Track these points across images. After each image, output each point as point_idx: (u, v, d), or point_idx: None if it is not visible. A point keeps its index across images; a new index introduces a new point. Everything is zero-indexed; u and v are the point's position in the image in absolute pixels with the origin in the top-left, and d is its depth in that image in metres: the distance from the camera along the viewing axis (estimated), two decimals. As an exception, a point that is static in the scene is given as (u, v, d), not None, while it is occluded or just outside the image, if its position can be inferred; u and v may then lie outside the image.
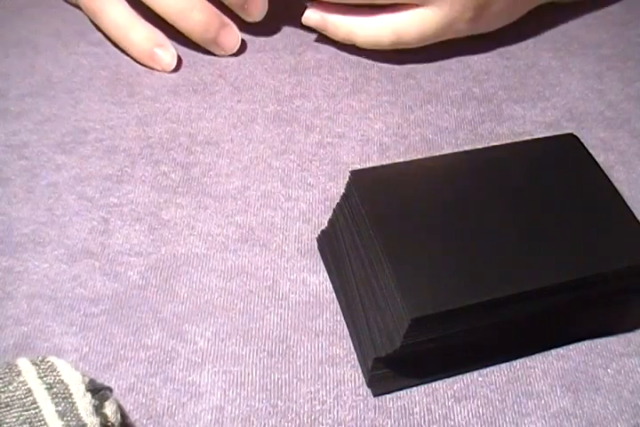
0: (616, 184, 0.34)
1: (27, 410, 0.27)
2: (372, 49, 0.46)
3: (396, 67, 0.47)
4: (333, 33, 0.46)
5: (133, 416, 0.32)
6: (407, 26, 0.44)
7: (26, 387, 0.27)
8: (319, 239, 0.38)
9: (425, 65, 0.48)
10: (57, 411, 0.27)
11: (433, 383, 0.34)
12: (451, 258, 0.30)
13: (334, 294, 0.36)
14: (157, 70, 0.46)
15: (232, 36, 0.46)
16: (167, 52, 0.45)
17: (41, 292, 0.35)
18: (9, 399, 0.27)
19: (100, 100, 0.44)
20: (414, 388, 0.33)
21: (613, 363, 0.35)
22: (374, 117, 0.45)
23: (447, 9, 0.43)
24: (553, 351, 0.35)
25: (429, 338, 0.30)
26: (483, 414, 0.33)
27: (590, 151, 0.35)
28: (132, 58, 0.46)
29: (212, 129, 0.43)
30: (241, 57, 0.48)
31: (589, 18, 0.52)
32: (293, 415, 0.32)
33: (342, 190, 0.33)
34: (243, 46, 0.48)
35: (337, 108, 0.45)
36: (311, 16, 0.45)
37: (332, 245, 0.36)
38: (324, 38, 0.48)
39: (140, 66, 0.46)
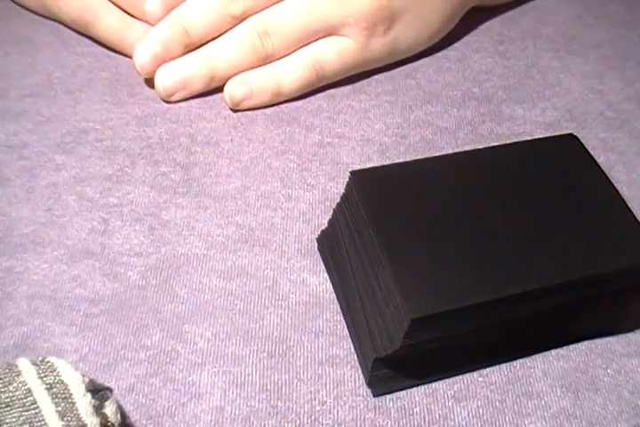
0: (616, 184, 0.34)
1: (27, 410, 0.27)
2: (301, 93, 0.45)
3: (396, 67, 0.47)
4: (260, 91, 0.43)
5: (133, 416, 0.32)
6: (327, 54, 0.43)
7: (26, 387, 0.27)
8: (319, 239, 0.38)
9: (425, 65, 0.48)
10: (57, 411, 0.27)
11: (433, 383, 0.33)
12: (450, 258, 0.30)
13: (334, 295, 0.36)
14: None
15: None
16: None
17: (41, 292, 0.35)
18: (9, 399, 0.27)
19: (100, 100, 0.44)
20: (414, 388, 0.33)
21: (613, 363, 0.35)
22: (374, 117, 0.45)
23: (355, 28, 0.43)
24: (553, 351, 0.35)
25: (429, 338, 0.30)
26: (483, 415, 0.33)
27: (590, 151, 0.35)
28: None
29: (211, 129, 0.43)
30: (241, 57, 0.48)
31: (589, 18, 0.52)
32: (293, 416, 0.32)
33: (342, 190, 0.33)
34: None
35: (337, 108, 0.45)
36: (235, 87, 0.43)
37: (331, 246, 0.36)
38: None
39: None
